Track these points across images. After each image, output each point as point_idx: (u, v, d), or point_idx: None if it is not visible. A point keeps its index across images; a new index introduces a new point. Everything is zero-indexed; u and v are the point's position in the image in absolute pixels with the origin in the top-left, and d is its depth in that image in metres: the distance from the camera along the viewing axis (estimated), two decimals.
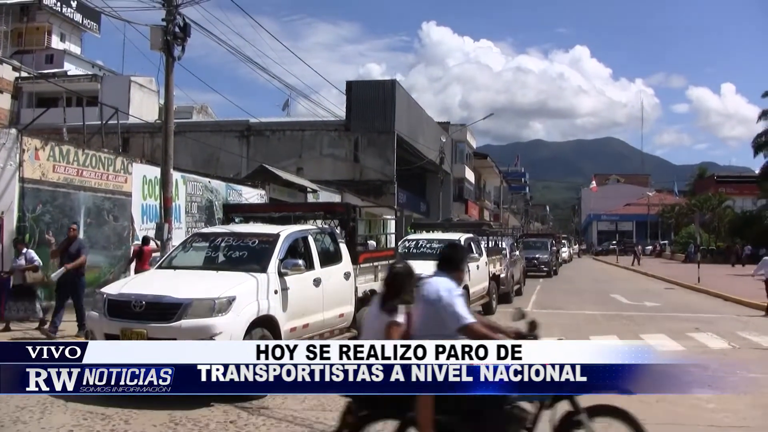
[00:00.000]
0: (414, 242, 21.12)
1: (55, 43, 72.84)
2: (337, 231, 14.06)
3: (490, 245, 24.40)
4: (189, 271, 11.72)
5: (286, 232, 12.21)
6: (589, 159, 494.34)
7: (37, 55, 69.45)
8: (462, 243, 19.69)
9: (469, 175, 75.60)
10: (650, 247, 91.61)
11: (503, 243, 28.18)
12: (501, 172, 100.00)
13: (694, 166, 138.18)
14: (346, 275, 13.32)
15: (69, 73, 63.29)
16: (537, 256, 42.03)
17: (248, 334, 10.10)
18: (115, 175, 20.21)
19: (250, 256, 11.76)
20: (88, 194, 19.16)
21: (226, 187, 25.87)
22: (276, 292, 11.02)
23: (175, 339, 9.35)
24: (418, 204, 57.76)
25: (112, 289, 10.95)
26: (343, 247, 13.57)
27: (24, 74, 60.30)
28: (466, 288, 18.41)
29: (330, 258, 13.06)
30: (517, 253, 31.51)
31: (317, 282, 12.22)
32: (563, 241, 72.56)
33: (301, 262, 11.57)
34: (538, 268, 41.54)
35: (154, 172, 20.98)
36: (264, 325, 10.53)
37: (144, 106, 53.71)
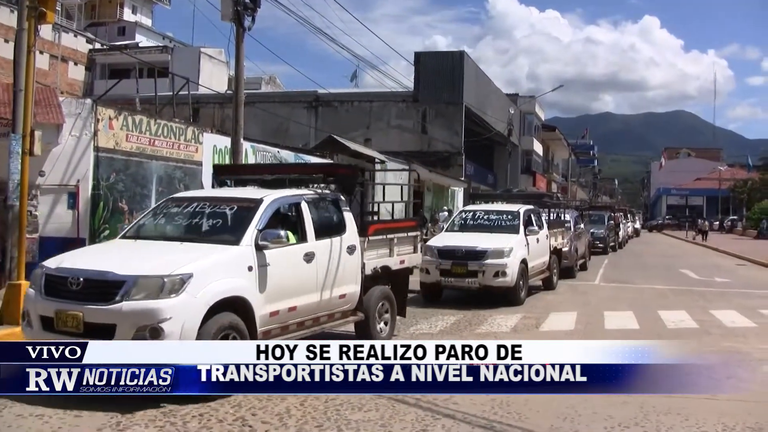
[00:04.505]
0: (471, 213, 20.48)
1: (127, 15, 74.10)
2: (342, 197, 11.92)
3: (551, 218, 23.72)
4: (150, 242, 10.00)
5: (271, 197, 10.36)
6: (660, 132, 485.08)
7: (110, 28, 70.77)
8: (521, 215, 19.30)
9: (537, 148, 74.96)
10: (717, 223, 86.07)
11: (567, 216, 27.44)
12: (569, 145, 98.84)
13: None
14: (350, 249, 11.35)
15: (140, 45, 64.26)
16: (592, 230, 37.79)
17: (210, 319, 8.42)
18: (186, 145, 20.43)
19: (224, 226, 10.00)
20: (159, 163, 19.42)
21: (294, 157, 25.97)
22: (250, 268, 9.29)
23: (114, 325, 8.12)
24: (486, 176, 57.46)
25: (54, 262, 9.24)
26: (348, 216, 11.60)
27: (97, 46, 61.36)
28: (524, 262, 18.03)
29: (330, 229, 11.17)
30: (582, 226, 30.72)
31: (309, 257, 10.38)
32: (629, 214, 70.37)
33: (283, 233, 9.74)
34: (593, 244, 37.19)
35: (225, 141, 21.17)
36: (233, 309, 8.81)
37: (213, 77, 54.23)
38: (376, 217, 14.70)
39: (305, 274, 10.34)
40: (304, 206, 10.72)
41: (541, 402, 8.23)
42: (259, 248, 9.46)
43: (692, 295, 20.68)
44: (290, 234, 10.18)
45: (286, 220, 10.49)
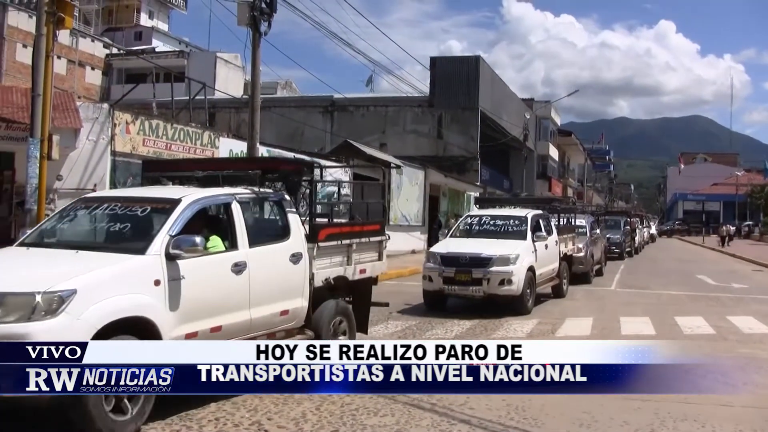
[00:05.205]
0: (476, 218, 19.61)
1: (144, 20, 74.46)
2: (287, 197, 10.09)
3: (562, 223, 22.95)
4: (43, 251, 8.35)
5: (192, 197, 8.64)
6: (676, 137, 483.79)
7: (127, 33, 71.16)
8: (529, 220, 18.54)
9: (553, 153, 74.85)
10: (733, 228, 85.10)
11: (583, 221, 26.94)
12: (585, 150, 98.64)
13: None
14: (295, 257, 9.60)
15: (157, 50, 64.57)
16: (608, 236, 36.68)
17: None
18: (202, 149, 20.53)
19: (131, 231, 8.41)
20: None
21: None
22: (158, 282, 7.63)
23: None
24: (501, 181, 57.40)
25: None
26: (294, 219, 9.82)
27: (114, 51, 61.76)
28: (531, 269, 17.28)
29: (270, 234, 9.66)
30: (598, 231, 30.31)
31: (240, 267, 8.66)
32: (644, 220, 69.55)
33: (199, 239, 7.97)
34: (609, 249, 36.05)
35: (241, 146, 21.28)
36: (133, 331, 7.17)
37: (230, 82, 54.45)
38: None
39: (233, 288, 8.67)
40: (236, 208, 9.01)
41: (557, 407, 8.23)
42: (171, 258, 7.83)
43: (709, 300, 20.55)
44: (219, 240, 8.79)
45: (213, 224, 9.03)
